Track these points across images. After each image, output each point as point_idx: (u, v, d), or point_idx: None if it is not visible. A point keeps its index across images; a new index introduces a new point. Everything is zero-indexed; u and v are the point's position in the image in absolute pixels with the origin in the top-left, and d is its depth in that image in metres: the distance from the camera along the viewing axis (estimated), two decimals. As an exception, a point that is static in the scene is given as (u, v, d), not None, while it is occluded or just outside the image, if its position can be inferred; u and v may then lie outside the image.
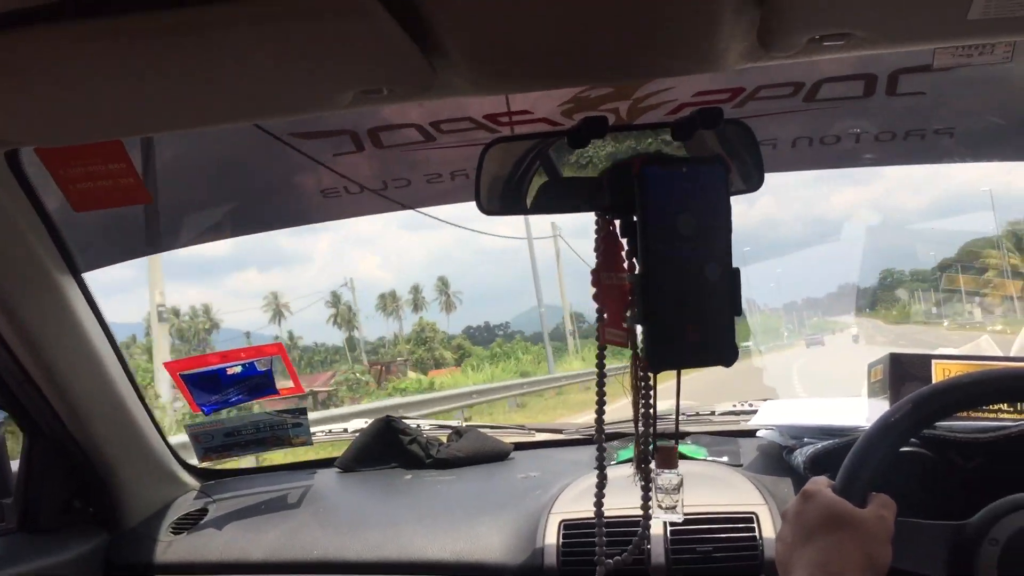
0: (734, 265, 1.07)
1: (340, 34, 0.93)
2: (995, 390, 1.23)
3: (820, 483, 1.19)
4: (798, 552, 1.10)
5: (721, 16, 0.98)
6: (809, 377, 18.31)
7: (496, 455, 2.17)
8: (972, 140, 1.77)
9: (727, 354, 1.08)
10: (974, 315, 39.21)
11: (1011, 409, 1.58)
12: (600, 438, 1.28)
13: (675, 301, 1.05)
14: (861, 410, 1.80)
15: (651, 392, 1.25)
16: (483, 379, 26.86)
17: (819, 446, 1.64)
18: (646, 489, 1.28)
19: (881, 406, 1.70)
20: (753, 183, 1.26)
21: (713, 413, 2.25)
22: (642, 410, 1.25)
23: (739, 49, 1.08)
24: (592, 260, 1.19)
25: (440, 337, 51.10)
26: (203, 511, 2.00)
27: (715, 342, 1.07)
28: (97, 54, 0.94)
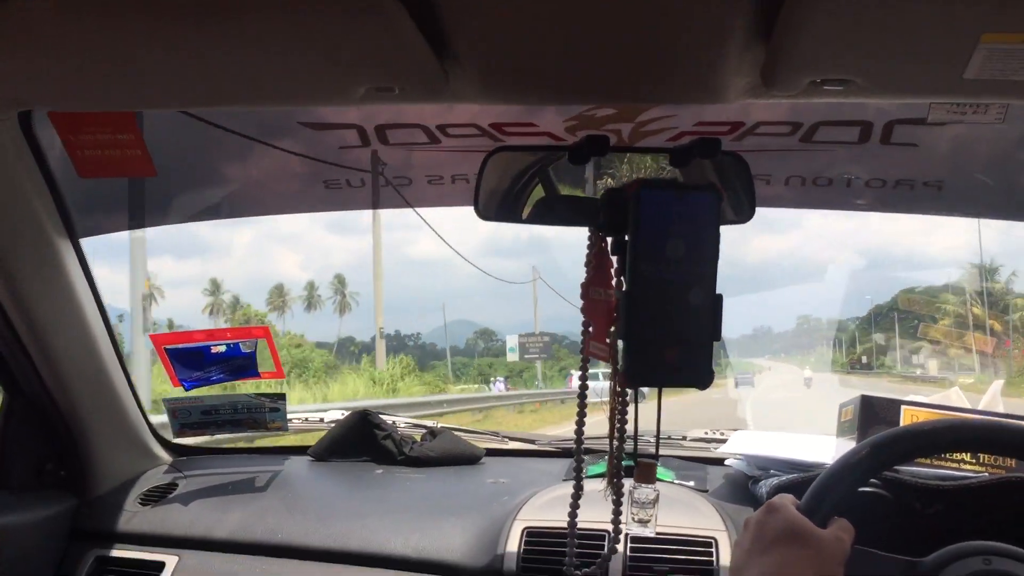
0: (718, 291, 1.11)
1: (359, 29, 0.96)
2: (952, 440, 1.26)
3: (786, 499, 1.22)
4: (754, 559, 1.13)
5: (727, 51, 1.02)
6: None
7: (467, 458, 2.19)
8: (960, 196, 1.82)
9: (703, 377, 1.10)
10: (928, 367, 38.11)
11: (973, 460, 1.62)
12: (579, 450, 1.29)
13: (657, 321, 1.07)
14: (828, 448, 1.84)
15: (627, 408, 1.28)
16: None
17: (783, 478, 1.68)
18: (617, 504, 1.30)
19: (848, 446, 1.74)
20: (744, 215, 1.29)
21: (685, 438, 2.28)
22: (618, 425, 1.28)
23: (742, 84, 1.12)
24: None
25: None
26: (173, 485, 2.02)
27: (693, 364, 1.09)
28: (121, 26, 0.97)
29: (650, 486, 1.32)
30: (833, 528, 1.17)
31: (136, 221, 2.06)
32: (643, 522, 1.33)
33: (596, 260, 1.22)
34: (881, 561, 1.26)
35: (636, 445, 1.27)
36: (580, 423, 1.30)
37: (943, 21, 0.90)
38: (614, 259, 1.18)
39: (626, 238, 1.10)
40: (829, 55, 0.99)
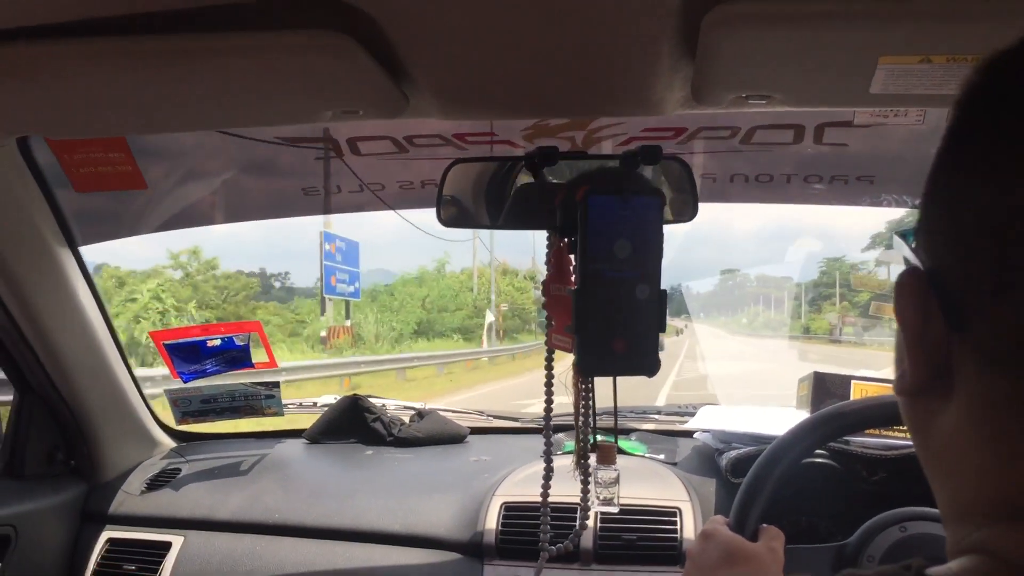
0: (662, 287, 1.20)
1: (321, 65, 1.06)
2: (859, 420, 1.38)
3: (717, 522, 1.31)
4: None
5: (659, 71, 1.12)
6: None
7: (453, 438, 2.30)
8: (892, 187, 1.93)
9: (650, 365, 1.20)
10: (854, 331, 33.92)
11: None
12: (548, 433, 1.40)
13: (606, 315, 1.15)
14: (789, 420, 1.95)
15: (591, 393, 1.38)
16: None
17: (741, 451, 1.79)
18: (584, 483, 1.41)
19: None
20: (688, 215, 1.39)
21: (659, 412, 2.40)
22: (583, 411, 1.38)
23: (675, 98, 1.22)
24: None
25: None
26: (176, 470, 2.14)
27: (640, 354, 1.17)
28: (107, 67, 1.07)
29: (611, 466, 1.42)
30: (764, 539, 1.26)
31: (131, 229, 2.17)
32: (607, 500, 1.44)
33: (555, 259, 1.30)
34: (812, 554, 1.38)
35: (595, 429, 1.37)
36: (548, 408, 1.40)
37: (845, 45, 1.00)
38: (572, 257, 1.28)
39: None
40: (747, 75, 1.09)
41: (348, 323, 24.16)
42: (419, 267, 38.49)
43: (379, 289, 35.83)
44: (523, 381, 16.05)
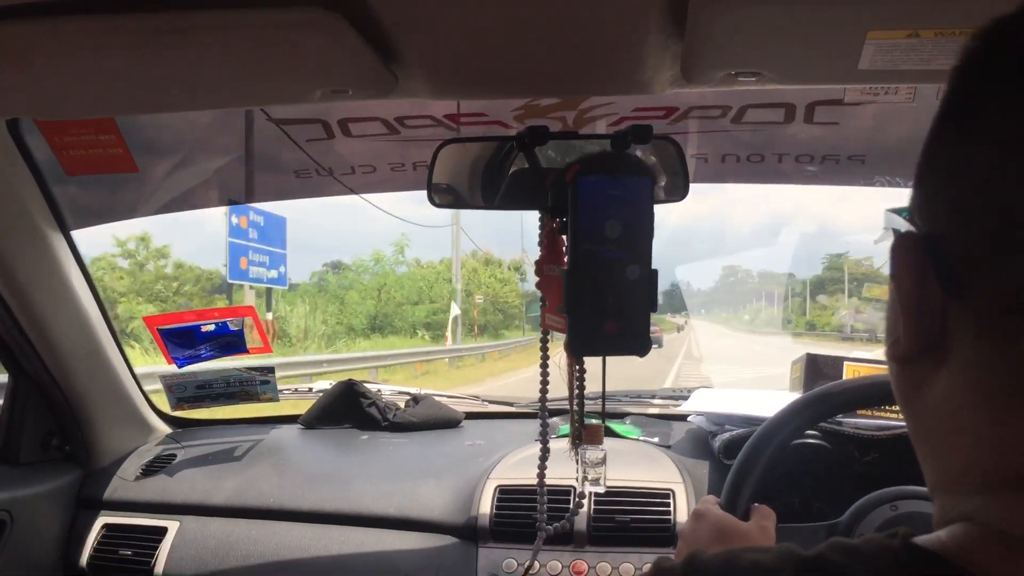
0: (653, 266, 1.20)
1: (308, 42, 1.06)
2: (848, 400, 1.38)
3: (709, 502, 1.32)
4: None
5: (647, 50, 1.12)
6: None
7: (448, 423, 2.31)
8: (883, 167, 1.93)
9: (641, 346, 1.19)
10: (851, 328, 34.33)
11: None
12: (544, 413, 1.40)
13: (597, 296, 1.15)
14: (782, 402, 1.95)
15: (584, 375, 1.38)
16: None
17: (734, 433, 1.80)
18: (580, 465, 1.42)
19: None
20: (679, 194, 1.38)
21: (654, 396, 2.40)
22: (576, 392, 1.38)
23: (665, 77, 1.22)
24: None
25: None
26: (172, 456, 2.14)
27: (631, 334, 1.17)
28: (96, 45, 1.06)
29: (598, 447, 1.42)
30: (756, 518, 1.26)
31: (122, 213, 2.17)
32: (594, 480, 1.44)
33: (547, 240, 1.30)
34: (804, 533, 1.38)
35: (583, 410, 1.37)
36: (544, 390, 1.40)
37: (833, 21, 1.00)
38: (563, 238, 1.27)
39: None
40: (736, 52, 1.09)
41: (270, 316, 19.77)
42: (374, 251, 34.02)
43: (329, 279, 32.89)
44: (482, 390, 15.08)
